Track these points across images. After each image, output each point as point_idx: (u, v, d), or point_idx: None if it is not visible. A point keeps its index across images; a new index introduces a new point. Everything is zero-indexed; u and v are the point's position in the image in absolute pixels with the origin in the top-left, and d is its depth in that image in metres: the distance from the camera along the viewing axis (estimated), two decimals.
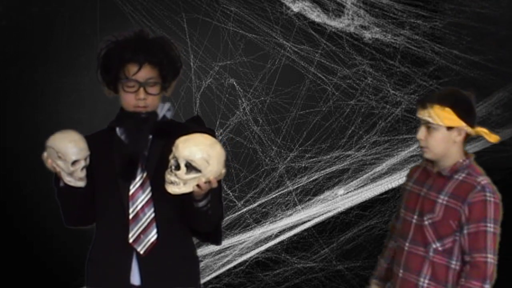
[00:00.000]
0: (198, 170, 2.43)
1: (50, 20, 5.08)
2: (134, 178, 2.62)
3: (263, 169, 5.53)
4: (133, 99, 2.61)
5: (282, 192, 5.63)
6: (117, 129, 2.70)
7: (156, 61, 2.61)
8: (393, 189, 5.80)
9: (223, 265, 5.41)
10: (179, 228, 2.70)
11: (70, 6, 5.09)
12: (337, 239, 5.77)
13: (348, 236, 5.80)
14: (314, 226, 5.70)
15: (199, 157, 2.41)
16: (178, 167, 2.44)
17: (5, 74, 5.06)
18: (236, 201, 5.45)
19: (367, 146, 5.85)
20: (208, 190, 2.49)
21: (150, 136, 2.66)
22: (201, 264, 5.10)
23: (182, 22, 5.09)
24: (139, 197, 2.63)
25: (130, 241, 2.61)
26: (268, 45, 5.39)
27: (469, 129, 2.69)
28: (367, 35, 5.62)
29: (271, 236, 5.58)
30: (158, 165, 2.62)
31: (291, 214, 5.63)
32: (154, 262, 2.64)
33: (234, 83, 5.37)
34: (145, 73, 2.60)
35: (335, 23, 5.51)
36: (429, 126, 2.68)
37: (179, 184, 2.45)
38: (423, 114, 2.68)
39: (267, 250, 5.62)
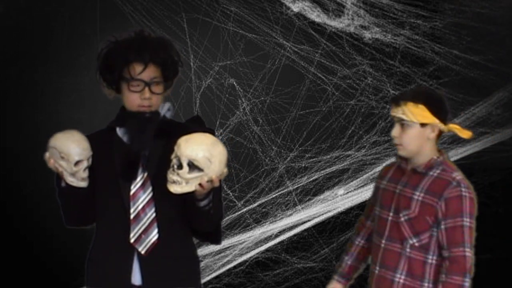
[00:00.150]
0: (200, 169, 2.44)
1: (50, 20, 5.08)
2: (135, 178, 2.63)
3: (263, 169, 5.53)
4: (137, 99, 2.61)
5: (282, 192, 5.63)
6: (118, 129, 2.70)
7: (160, 60, 2.62)
8: None
9: (223, 265, 5.41)
10: (180, 228, 2.70)
11: (70, 6, 5.10)
12: (337, 239, 5.77)
13: (348, 236, 5.80)
14: (314, 226, 5.70)
15: (202, 156, 2.41)
16: (180, 167, 2.44)
17: (5, 74, 5.06)
18: (236, 201, 5.45)
19: (367, 146, 5.85)
20: (210, 190, 2.50)
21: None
22: (201, 264, 5.09)
23: (182, 22, 5.09)
24: (140, 197, 2.63)
25: (132, 241, 2.61)
26: (268, 45, 5.39)
27: (442, 126, 2.74)
28: (367, 35, 5.63)
29: (271, 236, 5.59)
30: (159, 165, 2.63)
31: (291, 214, 5.64)
32: (155, 262, 2.64)
33: (234, 83, 5.37)
34: (149, 72, 2.61)
35: (335, 23, 5.52)
36: (403, 124, 2.72)
37: (181, 183, 2.45)
38: (396, 112, 2.73)
39: (267, 250, 5.62)
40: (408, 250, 2.75)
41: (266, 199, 5.57)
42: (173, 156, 2.47)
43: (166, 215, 2.65)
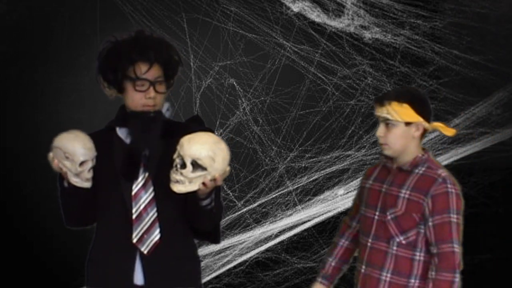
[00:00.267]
0: (203, 168, 2.45)
1: (50, 20, 5.08)
2: (137, 178, 2.63)
3: (263, 169, 5.53)
4: (142, 98, 2.62)
5: (282, 192, 5.63)
6: (118, 129, 2.70)
7: (163, 60, 2.64)
8: None
9: (223, 265, 5.41)
10: (181, 227, 2.71)
11: (70, 6, 5.10)
12: None
13: None
14: (314, 226, 5.70)
15: (205, 155, 2.42)
16: (184, 166, 2.45)
17: (5, 74, 5.06)
18: (236, 201, 5.45)
19: (367, 146, 5.85)
20: (212, 188, 2.51)
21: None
22: (201, 264, 5.10)
23: (182, 22, 5.09)
24: (142, 197, 2.63)
25: (134, 241, 2.61)
26: (268, 45, 5.39)
27: (426, 124, 2.76)
28: (367, 35, 5.63)
29: (271, 236, 5.59)
30: (160, 165, 2.63)
31: (291, 214, 5.64)
32: (157, 261, 2.64)
33: (234, 83, 5.37)
34: (154, 72, 2.62)
35: (335, 23, 5.52)
36: (388, 123, 2.75)
37: (184, 182, 2.46)
38: (381, 112, 2.75)
39: (267, 250, 5.62)
40: (394, 248, 2.76)
41: (266, 199, 5.57)
42: (176, 155, 2.47)
43: (167, 215, 2.65)
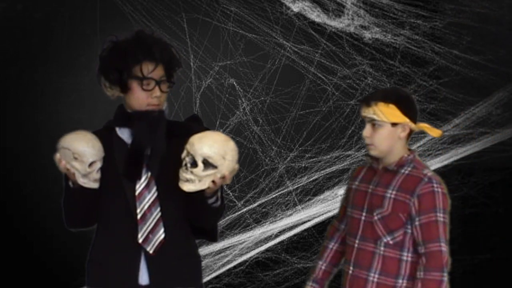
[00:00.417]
0: (214, 167, 2.47)
1: (50, 20, 5.08)
2: (140, 178, 2.63)
3: (263, 169, 5.53)
4: (148, 97, 2.63)
5: (282, 192, 5.63)
6: (118, 130, 2.70)
7: (166, 60, 2.66)
8: None
9: (223, 265, 5.41)
10: (183, 226, 2.72)
11: (70, 6, 5.10)
12: None
13: None
14: (314, 226, 5.70)
15: (216, 153, 2.45)
16: (194, 165, 2.47)
17: (5, 74, 5.06)
18: (236, 201, 5.45)
19: None
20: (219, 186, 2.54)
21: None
22: (201, 264, 5.10)
23: (182, 22, 5.09)
24: (146, 197, 2.64)
25: (140, 241, 2.61)
26: (268, 45, 5.39)
27: (413, 125, 2.77)
28: (367, 35, 5.62)
29: (271, 236, 5.59)
30: (162, 164, 2.64)
31: (291, 214, 5.64)
32: (162, 261, 2.65)
33: (234, 83, 5.37)
34: (159, 71, 2.64)
35: (335, 23, 5.52)
36: (374, 124, 2.75)
37: (194, 181, 2.48)
38: (368, 112, 2.75)
39: (267, 250, 5.62)
40: (382, 248, 2.76)
41: (266, 199, 5.57)
42: (185, 154, 2.50)
43: (170, 214, 2.66)
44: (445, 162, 5.90)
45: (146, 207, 2.63)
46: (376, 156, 2.81)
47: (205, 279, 5.22)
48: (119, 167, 2.64)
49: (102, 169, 2.62)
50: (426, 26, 5.82)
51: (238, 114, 5.39)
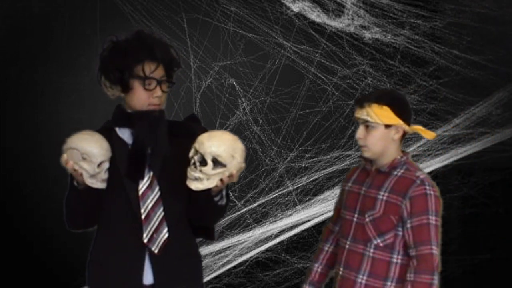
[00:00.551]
0: (223, 165, 2.49)
1: (50, 20, 5.08)
2: (143, 178, 2.63)
3: (263, 169, 5.53)
4: (149, 97, 2.63)
5: (282, 192, 5.63)
6: (117, 130, 2.70)
7: (166, 59, 2.66)
8: None
9: (223, 265, 5.41)
10: (185, 225, 2.73)
11: (70, 6, 5.10)
12: None
13: None
14: (314, 226, 5.70)
15: (226, 152, 2.48)
16: (204, 163, 2.48)
17: (5, 74, 5.06)
18: (236, 201, 5.45)
19: None
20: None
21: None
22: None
23: (182, 22, 5.09)
24: (149, 197, 2.64)
25: (145, 241, 2.61)
26: (268, 45, 5.39)
27: (406, 127, 2.76)
28: (367, 35, 5.62)
29: (271, 236, 5.59)
30: (164, 163, 2.64)
31: (291, 214, 5.63)
32: (166, 260, 2.65)
33: (234, 83, 5.37)
34: (160, 71, 2.64)
35: (335, 23, 5.52)
36: (367, 125, 2.74)
37: (202, 180, 2.50)
38: (361, 114, 2.75)
39: (267, 250, 5.62)
40: (371, 250, 2.75)
41: (266, 199, 5.57)
42: (192, 153, 2.51)
43: (172, 214, 2.66)
44: (445, 162, 5.90)
45: (149, 206, 2.63)
46: (369, 158, 2.80)
47: (205, 279, 5.22)
48: (120, 167, 2.63)
49: None
50: (426, 26, 5.82)
51: (238, 114, 5.39)
